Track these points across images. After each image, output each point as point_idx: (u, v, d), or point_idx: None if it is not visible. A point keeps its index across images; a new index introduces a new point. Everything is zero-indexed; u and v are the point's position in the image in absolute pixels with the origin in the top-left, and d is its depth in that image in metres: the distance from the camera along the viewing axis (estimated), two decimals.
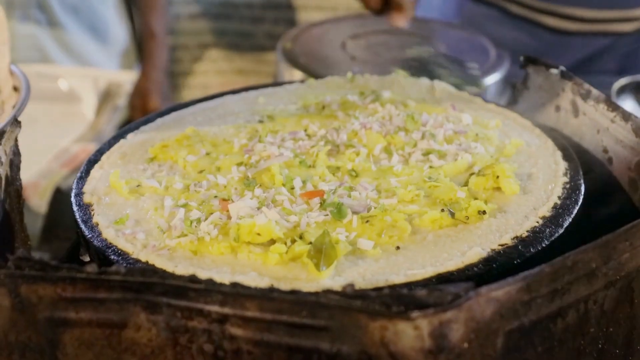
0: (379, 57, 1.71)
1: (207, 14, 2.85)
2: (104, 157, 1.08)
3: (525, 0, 1.84)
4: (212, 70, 2.91)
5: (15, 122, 1.06)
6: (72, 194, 0.98)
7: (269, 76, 2.71)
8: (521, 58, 1.23)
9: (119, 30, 2.50)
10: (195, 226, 0.89)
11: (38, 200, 1.58)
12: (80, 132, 1.84)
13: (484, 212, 0.91)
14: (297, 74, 1.63)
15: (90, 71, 2.12)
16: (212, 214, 0.91)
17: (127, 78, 2.09)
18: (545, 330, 0.77)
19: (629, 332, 0.85)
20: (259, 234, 0.86)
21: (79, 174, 1.02)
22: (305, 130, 1.10)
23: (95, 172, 1.04)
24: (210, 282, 0.71)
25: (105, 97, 1.97)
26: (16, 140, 1.07)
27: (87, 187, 1.00)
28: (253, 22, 2.81)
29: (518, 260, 0.84)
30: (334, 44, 1.77)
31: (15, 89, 1.20)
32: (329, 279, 0.81)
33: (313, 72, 1.61)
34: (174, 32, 2.85)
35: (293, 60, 1.67)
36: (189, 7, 2.85)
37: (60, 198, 1.60)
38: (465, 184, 0.97)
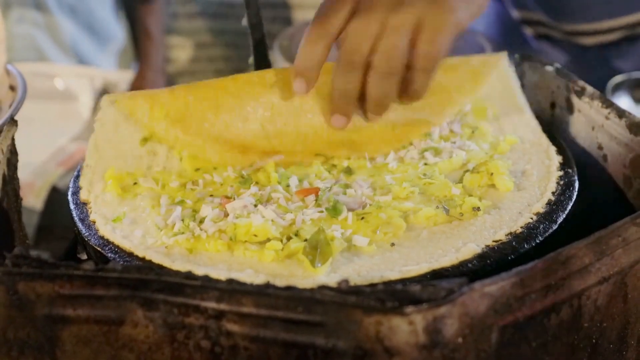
0: None
1: (205, 13, 2.85)
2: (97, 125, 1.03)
3: (561, 26, 1.80)
4: (210, 69, 2.91)
5: (12, 121, 1.06)
6: (69, 193, 0.99)
7: None
8: (516, 56, 1.24)
9: (116, 30, 2.50)
10: (192, 224, 0.90)
11: (34, 200, 1.59)
12: (76, 131, 1.85)
13: (478, 209, 0.91)
14: None
15: (87, 70, 2.12)
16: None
17: (123, 77, 2.10)
18: (539, 326, 0.78)
19: (623, 328, 0.85)
20: (255, 235, 0.87)
21: (75, 173, 1.02)
22: None
23: (90, 159, 1.02)
24: (206, 278, 0.72)
25: (102, 96, 1.98)
26: (13, 139, 1.07)
27: (84, 182, 1.00)
28: None
29: (512, 256, 0.85)
30: None
31: (12, 88, 1.20)
32: (325, 275, 0.82)
33: None
34: (171, 32, 2.86)
35: (290, 58, 1.68)
36: (186, 6, 2.85)
37: (56, 197, 1.60)
38: (460, 181, 0.98)
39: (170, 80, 2.87)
